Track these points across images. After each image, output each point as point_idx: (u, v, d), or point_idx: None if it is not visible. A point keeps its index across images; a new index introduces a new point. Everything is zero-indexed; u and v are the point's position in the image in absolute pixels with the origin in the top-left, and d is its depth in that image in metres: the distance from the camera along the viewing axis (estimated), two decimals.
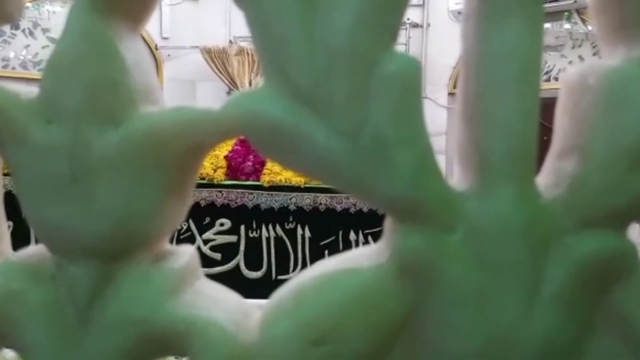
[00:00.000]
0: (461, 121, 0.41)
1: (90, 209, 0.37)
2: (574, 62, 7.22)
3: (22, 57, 4.34)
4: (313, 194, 3.87)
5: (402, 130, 0.36)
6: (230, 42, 5.25)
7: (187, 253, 0.42)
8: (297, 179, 4.12)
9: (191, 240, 3.99)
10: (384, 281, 0.38)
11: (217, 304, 0.41)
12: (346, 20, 0.35)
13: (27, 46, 4.36)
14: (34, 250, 0.41)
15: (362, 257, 0.40)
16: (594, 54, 6.75)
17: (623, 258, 0.36)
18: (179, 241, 4.40)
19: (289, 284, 0.41)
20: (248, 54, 5.79)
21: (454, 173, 0.42)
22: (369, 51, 0.35)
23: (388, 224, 0.40)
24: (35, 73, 4.33)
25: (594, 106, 0.37)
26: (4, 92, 0.38)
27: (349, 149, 0.36)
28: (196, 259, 0.43)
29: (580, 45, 7.41)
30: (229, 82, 5.60)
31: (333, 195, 3.68)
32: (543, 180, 0.39)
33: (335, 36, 0.35)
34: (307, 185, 3.96)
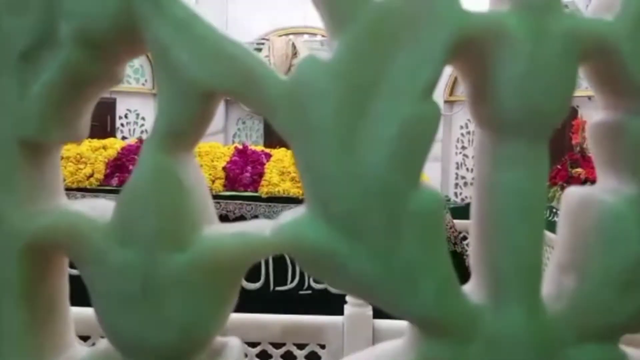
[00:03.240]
0: (476, 238, 0.47)
1: (157, 321, 0.43)
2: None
3: None
4: None
5: (426, 259, 0.42)
6: None
7: (235, 346, 0.49)
8: (294, 190, 4.17)
9: None
10: None
11: None
12: (380, 161, 0.41)
13: None
14: (105, 348, 0.47)
15: (390, 354, 0.47)
16: None
17: None
18: None
19: None
20: None
21: (471, 279, 0.48)
22: (400, 188, 0.42)
23: (412, 328, 0.46)
24: None
25: (589, 234, 0.43)
26: (85, 219, 0.44)
27: (381, 273, 0.42)
28: (242, 350, 0.49)
29: None
30: None
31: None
32: (547, 289, 0.46)
33: (370, 174, 0.41)
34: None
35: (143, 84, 6.33)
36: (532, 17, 0.41)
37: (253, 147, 4.48)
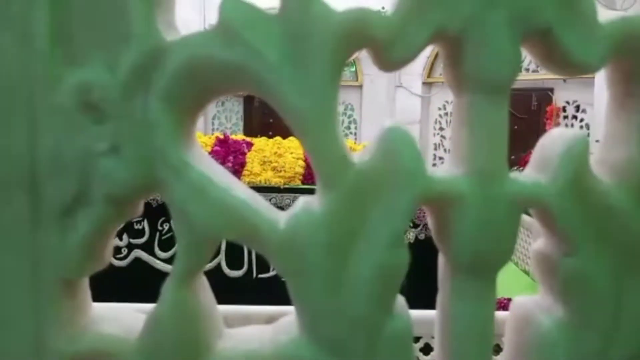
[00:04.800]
0: (438, 345, 0.57)
1: None
2: None
3: None
4: (292, 195, 4.02)
5: None
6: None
7: None
8: (276, 180, 4.24)
9: (173, 240, 4.12)
10: None
11: None
12: (360, 298, 0.51)
13: None
14: None
15: None
16: None
17: None
18: (161, 242, 4.49)
19: None
20: None
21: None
22: (376, 318, 0.52)
23: None
24: None
25: (529, 345, 0.54)
26: (116, 340, 0.53)
27: None
28: None
29: None
30: None
31: (312, 196, 3.87)
32: None
33: (353, 309, 0.51)
34: (286, 186, 4.11)
35: None
36: (481, 183, 0.50)
37: (234, 137, 4.51)
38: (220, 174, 0.53)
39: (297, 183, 4.13)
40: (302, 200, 0.54)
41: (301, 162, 4.05)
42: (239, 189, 0.53)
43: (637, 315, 0.52)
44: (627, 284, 0.52)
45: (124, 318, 0.58)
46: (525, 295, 0.59)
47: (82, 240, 0.51)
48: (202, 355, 0.53)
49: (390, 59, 0.51)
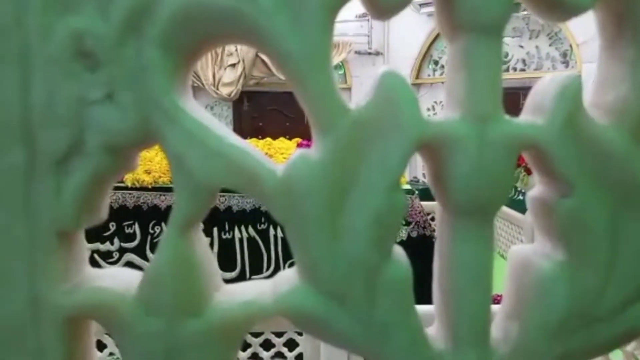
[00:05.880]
0: (437, 289, 0.57)
1: None
2: (531, 53, 7.45)
3: None
4: None
5: (399, 318, 0.52)
6: None
7: None
8: None
9: None
10: None
11: None
12: (359, 243, 0.51)
13: None
14: None
15: None
16: (550, 45, 7.01)
17: None
18: (153, 245, 4.47)
19: None
20: None
21: (435, 322, 0.59)
22: (375, 262, 0.52)
23: None
24: None
25: (529, 291, 0.54)
26: (114, 294, 0.53)
27: (363, 332, 0.52)
28: None
29: (537, 36, 7.64)
30: (193, 75, 5.57)
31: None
32: (495, 333, 0.56)
33: (352, 254, 0.51)
34: None
35: None
36: (477, 124, 0.50)
37: None
38: (215, 123, 0.53)
39: None
40: (300, 150, 0.54)
41: None
42: (234, 138, 0.53)
43: (634, 252, 0.52)
44: (623, 222, 0.52)
45: (122, 275, 0.57)
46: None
47: (78, 190, 0.51)
48: (200, 305, 0.53)
49: (384, 4, 0.51)
